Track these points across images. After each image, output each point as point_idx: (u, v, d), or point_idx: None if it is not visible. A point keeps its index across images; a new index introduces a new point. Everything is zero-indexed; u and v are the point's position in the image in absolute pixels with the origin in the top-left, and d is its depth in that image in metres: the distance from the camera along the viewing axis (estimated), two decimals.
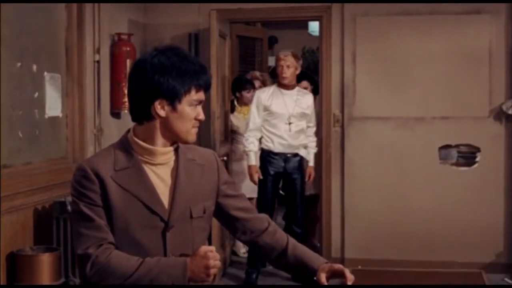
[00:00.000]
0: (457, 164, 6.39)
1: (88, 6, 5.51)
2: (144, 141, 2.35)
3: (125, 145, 2.37)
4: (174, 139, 2.37)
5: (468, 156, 6.36)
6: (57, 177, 4.96)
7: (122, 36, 5.88)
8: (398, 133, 6.40)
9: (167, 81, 2.26)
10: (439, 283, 5.92)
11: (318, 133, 6.36)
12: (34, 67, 4.93)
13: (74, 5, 5.37)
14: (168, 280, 2.22)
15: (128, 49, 5.83)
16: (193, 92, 2.31)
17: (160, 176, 2.37)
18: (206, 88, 2.35)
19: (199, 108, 2.35)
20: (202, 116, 2.36)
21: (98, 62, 5.69)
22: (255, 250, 2.64)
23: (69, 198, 4.54)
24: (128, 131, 2.41)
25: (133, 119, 2.38)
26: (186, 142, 2.39)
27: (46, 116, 5.07)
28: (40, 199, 4.78)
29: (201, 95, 2.34)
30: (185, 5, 6.58)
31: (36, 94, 4.94)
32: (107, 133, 5.74)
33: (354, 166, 6.48)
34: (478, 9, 6.26)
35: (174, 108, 2.30)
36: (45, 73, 5.06)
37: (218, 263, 2.25)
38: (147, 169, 2.35)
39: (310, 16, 6.58)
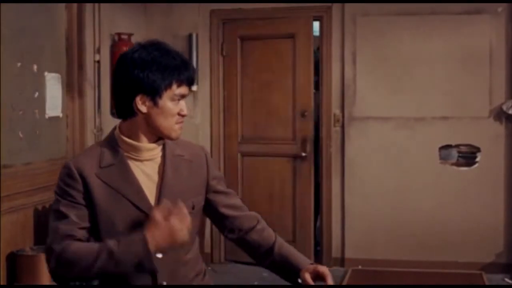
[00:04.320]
0: (457, 164, 6.39)
1: (88, 6, 5.51)
2: (129, 137, 2.34)
3: (111, 142, 2.37)
4: (158, 135, 2.35)
5: (468, 156, 6.37)
6: (57, 177, 4.94)
7: (122, 36, 5.88)
8: (399, 133, 6.41)
9: (147, 76, 2.24)
10: (439, 284, 5.92)
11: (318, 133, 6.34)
12: (35, 67, 4.92)
13: (75, 5, 5.37)
14: (133, 259, 2.18)
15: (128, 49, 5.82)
16: (174, 86, 2.29)
17: (146, 172, 2.35)
18: (189, 83, 2.33)
19: (182, 103, 2.34)
20: (185, 112, 2.35)
21: (98, 62, 5.69)
22: (241, 247, 2.60)
23: None
24: (115, 128, 2.40)
25: (118, 116, 2.38)
26: (169, 138, 2.37)
27: (47, 116, 5.06)
28: (41, 199, 4.78)
29: (183, 90, 2.32)
30: (185, 5, 6.59)
31: (37, 94, 4.94)
32: (107, 133, 5.71)
33: (355, 166, 6.48)
34: (478, 9, 6.27)
35: (155, 104, 2.28)
36: (46, 73, 5.06)
37: (186, 220, 2.22)
38: (133, 165, 2.34)
39: (311, 16, 6.55)
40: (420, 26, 6.35)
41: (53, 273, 2.28)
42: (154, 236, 2.18)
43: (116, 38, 5.91)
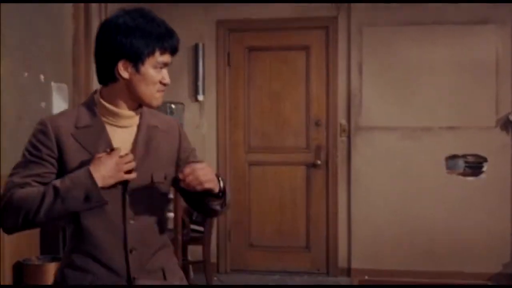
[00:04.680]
0: (464, 174, 6.37)
1: (95, 16, 5.54)
2: (109, 103, 2.33)
3: (89, 105, 2.35)
4: (139, 102, 2.34)
5: (475, 166, 6.35)
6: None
7: None
8: (405, 143, 6.40)
9: (131, 42, 2.24)
10: None
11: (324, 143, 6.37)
12: (41, 77, 4.95)
13: (82, 15, 5.40)
14: (80, 193, 2.17)
15: None
16: (157, 54, 2.27)
17: (121, 139, 2.33)
18: (172, 51, 2.32)
19: (164, 72, 2.32)
20: (167, 80, 2.33)
21: None
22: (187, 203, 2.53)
23: None
24: (95, 92, 2.39)
25: (99, 81, 2.36)
26: (150, 106, 2.36)
27: None
28: None
29: (166, 58, 2.30)
30: (191, 15, 6.61)
31: (43, 104, 4.96)
32: None
33: (361, 176, 6.48)
34: (484, 19, 6.27)
35: (137, 70, 2.27)
36: (52, 83, 5.08)
37: (129, 165, 2.23)
38: (109, 130, 2.32)
39: (317, 26, 6.58)
40: (426, 36, 6.35)
41: (2, 224, 2.24)
42: (99, 169, 2.19)
43: None
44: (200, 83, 6.66)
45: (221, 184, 2.33)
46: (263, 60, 6.72)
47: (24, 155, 2.29)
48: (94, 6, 5.52)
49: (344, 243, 6.53)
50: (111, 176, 2.21)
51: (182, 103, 6.61)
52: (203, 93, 6.67)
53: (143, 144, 2.36)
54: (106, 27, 2.29)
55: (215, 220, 6.31)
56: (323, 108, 6.62)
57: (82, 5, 5.41)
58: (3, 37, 4.39)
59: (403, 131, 6.41)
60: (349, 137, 6.52)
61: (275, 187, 6.73)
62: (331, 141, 6.56)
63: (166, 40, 2.29)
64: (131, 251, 2.30)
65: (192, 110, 6.69)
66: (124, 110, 2.33)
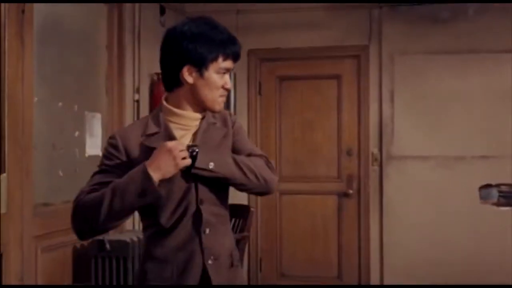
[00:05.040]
0: (498, 204, 6.28)
1: (128, 46, 5.60)
2: (175, 107, 2.42)
3: (156, 112, 2.45)
4: (202, 107, 2.42)
5: (509, 196, 6.26)
6: None
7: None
8: (438, 172, 6.35)
9: (195, 48, 2.33)
10: None
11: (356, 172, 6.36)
12: (75, 106, 5.00)
13: (115, 45, 5.47)
14: (136, 188, 2.24)
15: None
16: (220, 59, 2.36)
17: (186, 138, 2.42)
18: (234, 57, 2.41)
19: (227, 77, 2.41)
20: (229, 85, 2.42)
21: (137, 101, 5.76)
22: None
23: (108, 237, 4.61)
24: (161, 101, 2.48)
25: (165, 88, 2.45)
26: (212, 110, 2.44)
27: (86, 155, 5.12)
28: None
29: (228, 64, 2.39)
30: None
31: (77, 133, 5.01)
32: None
33: (393, 205, 6.44)
34: None
35: (201, 75, 2.36)
36: (86, 112, 5.13)
37: (183, 153, 2.27)
38: (176, 132, 2.41)
39: (348, 55, 6.59)
40: (459, 64, 6.33)
41: (74, 230, 2.37)
42: (154, 161, 2.25)
43: (155, 77, 5.98)
44: (231, 112, 6.68)
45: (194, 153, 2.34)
46: (295, 89, 6.74)
47: (97, 167, 2.43)
48: (127, 38, 5.59)
49: (376, 272, 6.48)
50: (168, 165, 2.25)
51: None
52: None
53: (200, 137, 2.43)
54: (172, 34, 2.39)
55: (246, 249, 6.30)
56: (354, 137, 6.60)
57: (115, 37, 5.48)
58: (39, 69, 4.46)
59: (435, 160, 6.37)
60: (381, 166, 6.49)
61: (306, 216, 6.71)
62: (363, 170, 6.54)
63: (229, 47, 2.38)
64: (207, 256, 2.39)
65: None
66: (189, 112, 2.42)
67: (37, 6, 4.36)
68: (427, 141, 6.38)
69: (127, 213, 2.31)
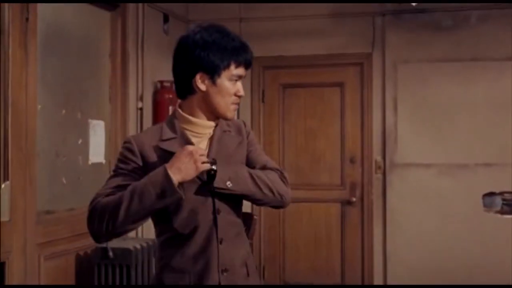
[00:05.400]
0: (502, 212, 6.28)
1: (132, 54, 5.61)
2: (189, 115, 2.44)
3: (171, 120, 2.47)
4: (215, 114, 2.45)
5: None
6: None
7: (165, 84, 5.95)
8: (441, 180, 6.34)
9: (208, 55, 2.35)
10: None
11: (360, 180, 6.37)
12: (79, 114, 5.01)
13: (118, 53, 5.48)
14: (155, 189, 2.24)
15: (171, 96, 5.86)
16: (232, 67, 2.39)
17: (201, 145, 2.43)
18: (246, 64, 2.44)
19: (239, 84, 2.44)
20: (241, 92, 2.44)
21: (141, 109, 5.76)
22: None
23: (111, 245, 4.60)
24: (174, 110, 2.50)
25: (178, 95, 2.47)
26: (225, 117, 2.46)
27: (90, 163, 5.13)
28: (82, 244, 4.81)
29: (240, 71, 2.42)
30: None
31: (80, 141, 5.01)
32: None
33: (396, 213, 6.43)
34: None
35: (214, 82, 2.38)
36: (89, 120, 5.14)
37: (204, 157, 2.30)
38: (192, 138, 2.43)
39: (351, 63, 6.60)
40: (462, 72, 6.33)
41: (90, 232, 2.35)
42: (174, 163, 2.26)
43: (159, 85, 5.99)
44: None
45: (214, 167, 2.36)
46: (298, 96, 6.75)
47: (112, 171, 2.43)
48: (131, 46, 5.60)
49: (380, 280, 6.46)
50: (188, 168, 2.27)
51: None
52: None
53: (216, 145, 2.45)
54: (184, 42, 2.41)
55: None
56: (358, 144, 6.60)
57: (119, 45, 5.49)
58: (42, 76, 4.47)
59: (438, 168, 6.36)
60: (384, 174, 6.48)
61: (309, 224, 6.70)
62: (366, 178, 6.54)
63: (241, 54, 2.41)
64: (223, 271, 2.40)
65: None
66: (203, 120, 2.44)
67: (41, 14, 4.37)
68: (430, 148, 6.37)
69: (145, 215, 2.31)
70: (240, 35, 2.45)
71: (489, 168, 6.26)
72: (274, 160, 6.97)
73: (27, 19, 4.21)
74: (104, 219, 2.29)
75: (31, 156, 4.26)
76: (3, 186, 4.02)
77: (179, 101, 2.50)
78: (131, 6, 5.61)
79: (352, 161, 6.59)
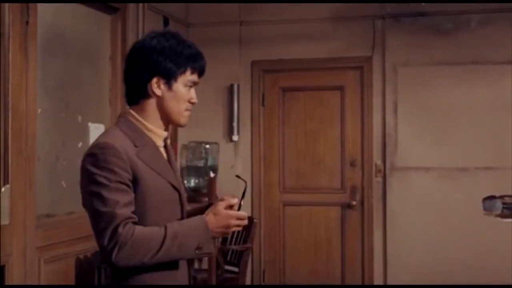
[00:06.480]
0: (502, 215, 6.28)
1: None
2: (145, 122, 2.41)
3: (131, 126, 2.38)
4: (168, 120, 2.43)
5: None
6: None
7: None
8: (441, 183, 6.34)
9: (165, 60, 2.35)
10: None
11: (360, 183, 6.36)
12: (79, 117, 5.01)
13: (118, 56, 5.48)
14: (194, 242, 2.26)
15: None
16: (188, 73, 2.40)
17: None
18: (200, 72, 2.45)
19: (193, 91, 2.44)
20: (195, 100, 2.44)
21: None
22: None
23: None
24: (121, 115, 2.43)
25: (128, 100, 2.42)
26: (178, 124, 2.44)
27: None
28: (82, 248, 4.81)
29: (195, 77, 2.43)
30: (226, 56, 6.67)
31: (80, 144, 5.01)
32: None
33: (397, 216, 6.42)
34: None
35: (170, 87, 2.37)
36: (89, 124, 5.14)
37: (239, 222, 2.33)
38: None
39: (351, 66, 6.60)
40: (462, 75, 6.33)
41: (116, 260, 2.19)
42: (212, 222, 2.29)
43: None
44: (234, 123, 6.69)
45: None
46: (298, 100, 6.75)
47: (101, 184, 2.24)
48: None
49: (380, 284, 6.46)
50: (220, 232, 2.32)
51: (216, 143, 6.64)
52: (238, 133, 6.70)
53: (172, 159, 2.51)
54: (140, 46, 2.41)
55: (249, 260, 6.29)
56: (358, 148, 6.60)
57: (119, 48, 5.50)
58: (43, 80, 4.47)
59: (439, 171, 6.36)
60: (384, 177, 6.48)
61: (309, 227, 6.70)
62: (366, 182, 6.54)
63: (197, 61, 2.43)
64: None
65: (226, 150, 6.72)
66: (160, 130, 2.43)
67: (41, 17, 4.37)
68: (431, 152, 6.37)
69: (174, 260, 2.33)
70: (195, 43, 2.46)
71: (489, 172, 6.26)
72: (274, 163, 7.03)
73: (27, 22, 4.21)
74: (138, 253, 2.19)
75: (31, 160, 4.26)
76: (3, 189, 4.02)
77: (126, 106, 2.44)
78: (131, 9, 5.62)
79: (352, 164, 6.60)
